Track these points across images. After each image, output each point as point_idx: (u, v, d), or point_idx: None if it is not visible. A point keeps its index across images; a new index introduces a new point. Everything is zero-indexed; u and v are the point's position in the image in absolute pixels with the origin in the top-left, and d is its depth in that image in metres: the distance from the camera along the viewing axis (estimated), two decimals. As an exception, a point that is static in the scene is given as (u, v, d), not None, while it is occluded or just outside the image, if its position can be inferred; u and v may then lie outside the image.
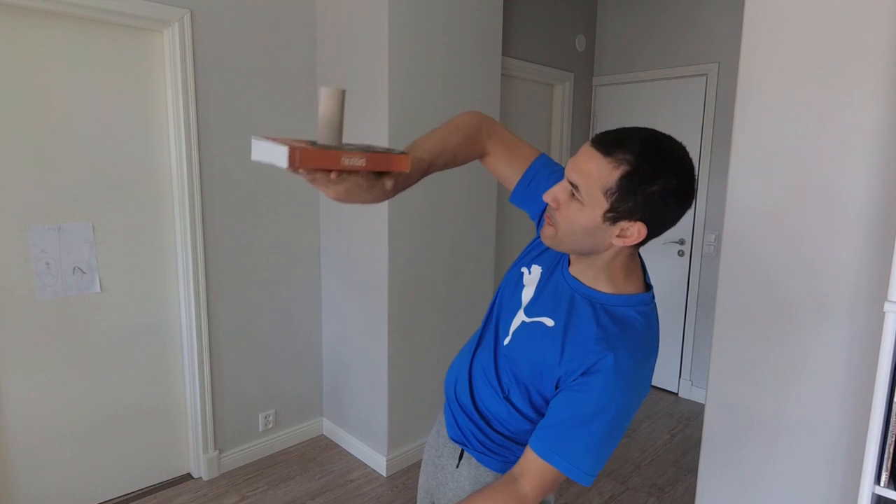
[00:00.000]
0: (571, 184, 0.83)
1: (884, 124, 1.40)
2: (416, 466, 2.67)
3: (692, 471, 2.68)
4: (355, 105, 2.48)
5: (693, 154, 3.36)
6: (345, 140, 2.16)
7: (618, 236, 0.83)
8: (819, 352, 1.55)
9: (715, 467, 1.79)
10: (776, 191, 1.59)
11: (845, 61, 1.45)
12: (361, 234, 2.55)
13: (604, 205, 0.81)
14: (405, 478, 2.57)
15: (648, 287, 0.98)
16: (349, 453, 2.77)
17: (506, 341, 1.02)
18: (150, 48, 2.20)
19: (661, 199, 0.79)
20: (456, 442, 1.11)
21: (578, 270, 0.95)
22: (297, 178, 2.67)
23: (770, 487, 1.68)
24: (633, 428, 3.12)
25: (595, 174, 0.80)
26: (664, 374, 3.64)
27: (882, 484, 1.19)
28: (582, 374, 0.87)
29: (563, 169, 0.98)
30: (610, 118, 3.77)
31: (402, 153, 0.82)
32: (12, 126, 1.92)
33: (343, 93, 0.82)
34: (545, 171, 1.03)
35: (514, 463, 1.01)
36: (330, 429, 2.91)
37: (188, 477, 2.52)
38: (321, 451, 2.78)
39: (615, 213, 0.81)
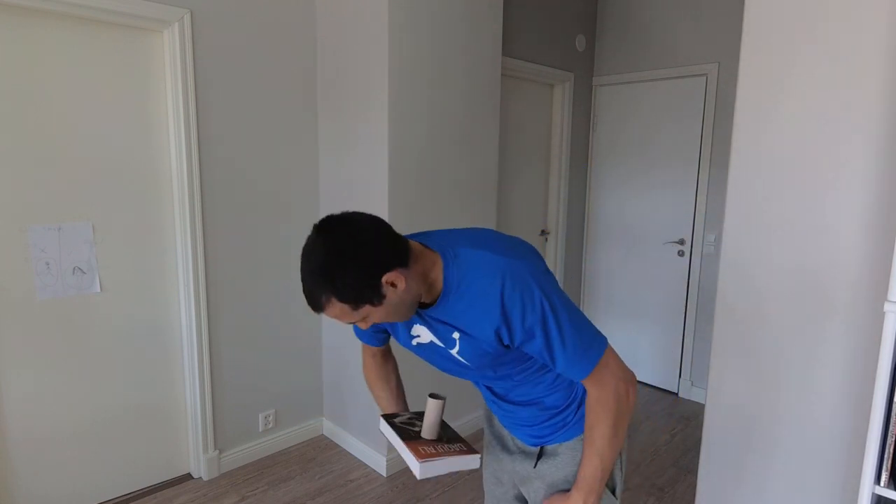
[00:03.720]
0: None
1: (883, 124, 1.40)
2: (416, 466, 2.66)
3: (692, 471, 2.68)
4: (355, 107, 2.48)
5: (693, 154, 3.36)
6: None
7: (397, 290, 0.94)
8: (819, 352, 1.55)
9: (715, 467, 1.79)
10: (776, 191, 1.59)
11: (845, 61, 1.45)
12: (361, 234, 2.54)
13: (366, 307, 0.94)
14: (405, 478, 2.57)
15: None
16: (349, 453, 2.77)
17: (463, 360, 1.07)
18: (150, 48, 2.20)
19: (366, 265, 0.90)
20: (536, 445, 1.19)
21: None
22: (298, 178, 2.67)
23: (770, 487, 1.68)
24: (634, 428, 3.12)
25: (338, 314, 0.94)
26: (664, 374, 3.64)
27: (882, 484, 1.19)
28: (514, 326, 0.96)
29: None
30: (610, 118, 3.77)
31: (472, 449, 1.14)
32: (12, 126, 1.92)
33: (444, 403, 1.13)
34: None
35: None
36: (330, 429, 2.91)
37: (188, 477, 2.52)
38: (321, 451, 2.78)
39: (373, 301, 0.93)
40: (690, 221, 3.42)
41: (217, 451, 2.54)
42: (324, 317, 2.85)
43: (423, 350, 1.11)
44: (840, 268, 1.50)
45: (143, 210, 2.26)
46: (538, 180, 3.68)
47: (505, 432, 1.26)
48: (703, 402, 3.41)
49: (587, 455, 1.04)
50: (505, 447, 1.26)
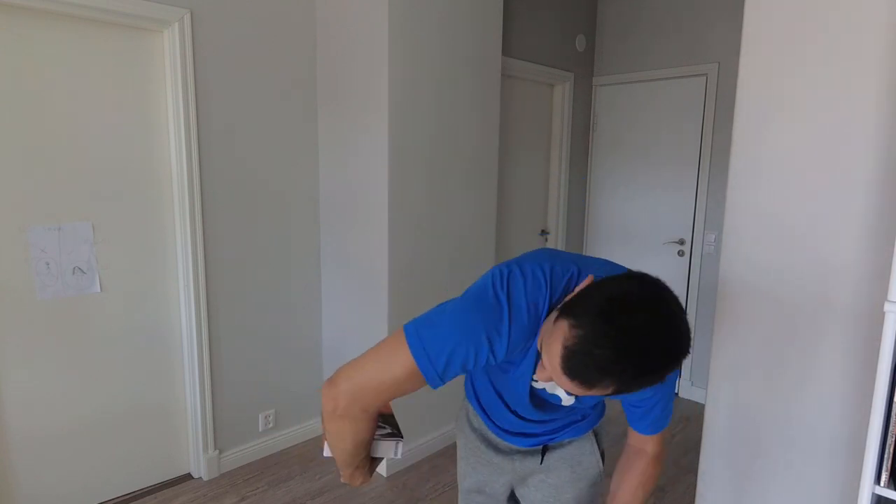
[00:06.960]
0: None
1: (883, 124, 1.40)
2: (417, 466, 2.67)
3: (692, 471, 2.67)
4: (355, 107, 2.48)
5: (693, 154, 3.36)
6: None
7: None
8: (819, 351, 1.55)
9: (715, 467, 1.79)
10: (776, 191, 1.59)
11: (845, 61, 1.45)
12: (362, 233, 2.55)
13: None
14: (405, 478, 2.57)
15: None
16: (349, 453, 2.76)
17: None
18: (150, 48, 2.20)
19: None
20: (537, 445, 1.17)
21: None
22: (297, 178, 2.67)
23: (770, 487, 1.68)
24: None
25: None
26: (664, 374, 3.63)
27: (882, 484, 1.19)
28: None
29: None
30: (610, 118, 3.77)
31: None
32: (12, 126, 1.92)
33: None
34: (452, 365, 0.85)
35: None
36: (330, 429, 2.90)
37: (188, 477, 2.52)
38: (321, 451, 2.78)
39: None
40: (690, 221, 3.42)
41: (217, 451, 2.54)
42: (323, 316, 2.86)
43: (531, 393, 1.00)
44: (840, 268, 1.49)
45: (143, 210, 2.26)
46: (538, 180, 3.68)
47: (492, 436, 1.21)
48: (703, 402, 3.40)
49: None
50: (498, 449, 1.21)
